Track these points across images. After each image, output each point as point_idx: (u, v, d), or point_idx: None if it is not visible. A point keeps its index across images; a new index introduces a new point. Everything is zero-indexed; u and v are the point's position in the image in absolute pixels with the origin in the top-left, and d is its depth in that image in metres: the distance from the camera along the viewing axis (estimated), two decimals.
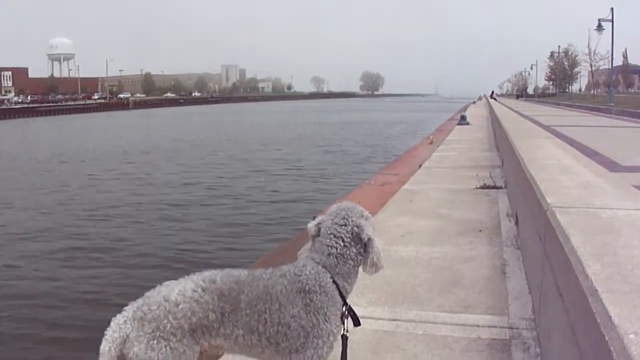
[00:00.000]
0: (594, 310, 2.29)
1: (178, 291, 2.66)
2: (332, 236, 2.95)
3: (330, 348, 2.88)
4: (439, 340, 4.58)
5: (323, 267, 2.91)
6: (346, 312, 2.95)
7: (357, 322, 3.04)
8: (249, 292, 2.75)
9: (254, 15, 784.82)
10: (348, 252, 2.94)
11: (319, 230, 3.04)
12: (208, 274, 2.80)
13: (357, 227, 2.95)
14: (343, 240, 2.93)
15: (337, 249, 2.93)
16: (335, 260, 2.93)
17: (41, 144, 46.81)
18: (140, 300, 2.68)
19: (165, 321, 2.57)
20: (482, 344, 4.49)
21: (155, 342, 2.55)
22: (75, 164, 31.73)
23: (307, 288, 2.82)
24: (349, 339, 2.96)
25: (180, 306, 2.61)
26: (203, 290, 2.69)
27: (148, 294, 2.72)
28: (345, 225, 2.95)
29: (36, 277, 11.86)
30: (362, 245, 2.96)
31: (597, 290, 2.40)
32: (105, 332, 2.60)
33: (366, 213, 3.07)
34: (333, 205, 3.12)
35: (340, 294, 2.93)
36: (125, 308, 2.66)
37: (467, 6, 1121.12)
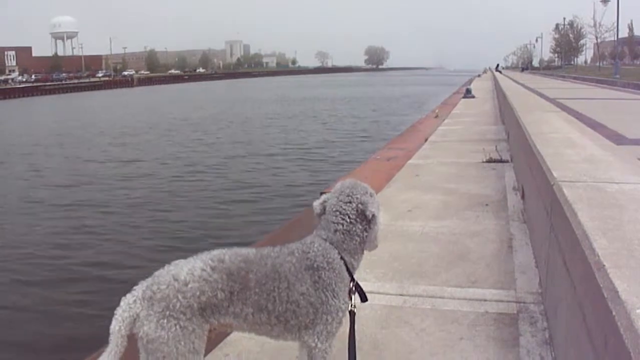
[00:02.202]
0: (601, 285, 2.30)
1: (187, 270, 2.68)
2: (337, 213, 2.97)
3: (339, 324, 2.91)
4: (446, 314, 4.61)
5: (330, 243, 2.93)
6: (353, 288, 2.97)
7: (364, 298, 3.07)
8: (257, 270, 2.77)
9: None
10: (354, 228, 2.96)
11: (324, 208, 3.05)
12: (216, 252, 2.81)
13: (362, 204, 2.96)
14: (349, 217, 2.95)
15: (343, 226, 2.95)
16: (342, 237, 2.95)
17: (44, 124, 46.79)
18: (149, 280, 2.70)
19: (175, 300, 2.59)
20: (490, 318, 4.51)
21: (165, 320, 2.57)
22: (79, 142, 31.80)
23: (315, 265, 2.84)
24: (357, 314, 2.97)
25: (190, 285, 2.63)
26: (212, 269, 2.70)
27: (157, 273, 2.73)
28: (350, 202, 2.96)
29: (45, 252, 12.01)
30: (367, 222, 2.98)
31: (604, 265, 2.41)
32: (115, 311, 2.61)
33: (370, 190, 3.07)
34: (338, 183, 3.13)
35: (348, 270, 2.95)
36: (135, 287, 2.68)
37: None
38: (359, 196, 2.98)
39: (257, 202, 16.33)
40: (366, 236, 2.99)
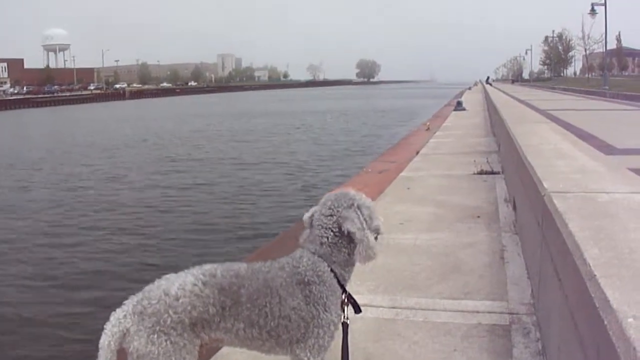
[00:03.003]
0: (593, 295, 2.30)
1: (178, 285, 2.66)
2: (320, 227, 2.95)
3: (332, 337, 2.89)
4: (439, 326, 4.61)
5: (319, 256, 2.91)
6: (346, 300, 2.96)
7: (357, 310, 3.04)
8: (249, 285, 2.75)
9: (250, 4, 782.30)
10: (340, 241, 2.93)
11: (312, 221, 3.04)
12: (208, 267, 2.79)
13: (341, 218, 2.91)
14: (332, 231, 2.92)
15: (328, 239, 2.93)
16: (330, 249, 2.92)
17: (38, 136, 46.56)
18: (140, 294, 2.68)
19: (166, 315, 2.57)
20: (483, 330, 4.51)
21: (156, 336, 2.56)
22: (76, 156, 31.67)
23: (306, 279, 2.83)
24: (350, 327, 2.96)
25: (181, 300, 2.61)
26: (203, 284, 2.68)
27: (148, 287, 2.71)
28: (332, 215, 2.93)
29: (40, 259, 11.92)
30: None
31: (595, 275, 2.41)
32: (105, 326, 2.59)
33: (359, 201, 3.01)
34: (326, 194, 3.11)
35: (339, 282, 2.93)
36: (125, 302, 2.66)
37: None
38: (340, 209, 2.93)
39: (246, 217, 16.19)
40: (354, 247, 2.94)
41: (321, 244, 2.93)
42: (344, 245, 2.93)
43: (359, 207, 2.98)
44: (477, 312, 4.86)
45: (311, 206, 3.13)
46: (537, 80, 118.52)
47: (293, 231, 8.45)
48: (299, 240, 3.10)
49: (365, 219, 2.96)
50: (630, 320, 1.98)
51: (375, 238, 3.01)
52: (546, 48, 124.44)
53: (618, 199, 3.88)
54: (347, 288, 3.00)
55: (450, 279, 5.68)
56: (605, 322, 2.07)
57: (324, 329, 2.83)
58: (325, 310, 2.83)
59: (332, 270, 2.91)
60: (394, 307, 5.04)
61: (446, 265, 6.13)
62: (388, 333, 4.53)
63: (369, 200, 3.10)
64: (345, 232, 2.89)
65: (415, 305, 5.05)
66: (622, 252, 2.69)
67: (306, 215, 3.07)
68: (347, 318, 2.95)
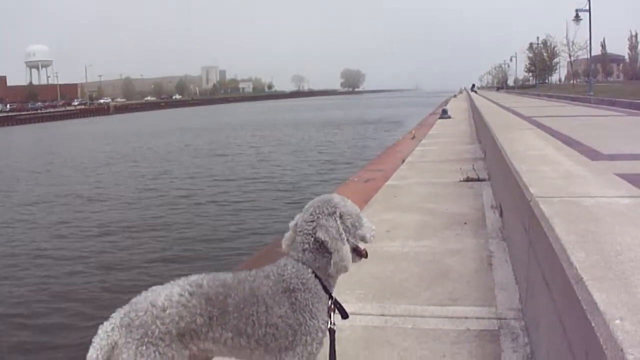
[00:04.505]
0: (580, 298, 2.31)
1: (165, 296, 2.65)
2: (301, 233, 2.94)
3: (320, 344, 2.88)
4: (428, 333, 4.61)
5: (302, 263, 2.90)
6: (332, 306, 2.95)
7: (344, 315, 3.01)
8: (235, 295, 2.74)
9: (233, 15, 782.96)
10: (321, 247, 2.89)
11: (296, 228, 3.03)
12: (194, 278, 2.78)
13: (318, 225, 2.89)
14: (313, 237, 2.90)
15: (309, 245, 2.90)
16: (312, 255, 2.90)
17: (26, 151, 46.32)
18: (127, 307, 2.66)
19: (154, 327, 2.56)
20: (471, 336, 4.51)
21: (144, 347, 2.54)
22: (63, 172, 31.49)
23: (291, 287, 2.81)
24: (338, 335, 2.94)
25: (168, 311, 2.60)
26: (190, 294, 2.67)
27: (134, 300, 2.69)
28: (312, 221, 2.91)
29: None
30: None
31: (582, 278, 2.42)
32: (93, 340, 2.57)
33: (342, 208, 2.97)
34: (310, 201, 3.10)
35: (324, 288, 2.91)
36: (112, 315, 2.64)
37: (447, 1, 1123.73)
38: (320, 216, 2.91)
39: (233, 228, 16.24)
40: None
41: (303, 250, 2.91)
42: (326, 251, 2.89)
43: (340, 215, 2.95)
44: (466, 317, 4.86)
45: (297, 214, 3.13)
46: (522, 87, 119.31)
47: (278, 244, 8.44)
48: (282, 245, 3.09)
49: (348, 227, 2.95)
50: (617, 322, 1.99)
51: (355, 251, 3.02)
52: (531, 55, 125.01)
53: (604, 203, 3.90)
54: (334, 294, 2.99)
55: (438, 286, 5.69)
56: (593, 325, 2.08)
57: (311, 336, 2.81)
58: (312, 317, 2.81)
59: (316, 277, 2.89)
60: (382, 315, 5.03)
61: (434, 272, 6.13)
62: (377, 340, 4.53)
63: (355, 207, 3.06)
64: (319, 240, 2.87)
65: (404, 313, 5.05)
66: (609, 255, 2.70)
67: (292, 223, 3.06)
68: (334, 324, 2.93)
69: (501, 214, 7.81)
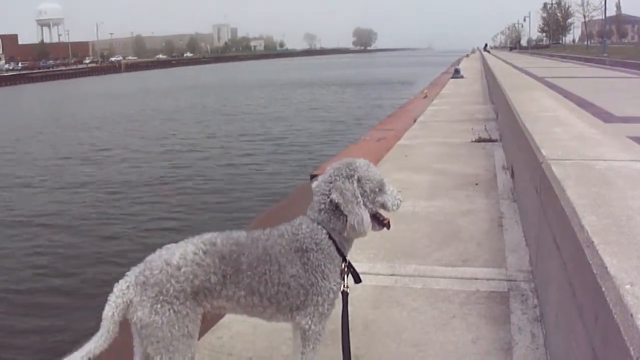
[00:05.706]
0: (590, 262, 2.31)
1: (179, 255, 2.67)
2: (319, 193, 2.93)
3: (332, 305, 2.90)
4: (438, 293, 4.64)
5: (318, 223, 2.90)
6: (345, 269, 2.95)
7: (357, 279, 3.01)
8: (249, 253, 2.76)
9: None
10: (338, 209, 2.86)
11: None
12: (208, 236, 2.80)
13: (334, 187, 2.86)
14: (329, 197, 2.88)
15: (325, 205, 2.89)
16: (327, 216, 2.89)
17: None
18: (141, 265, 2.68)
19: (168, 285, 2.59)
20: (481, 297, 4.55)
21: (159, 305, 2.57)
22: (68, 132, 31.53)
23: (304, 247, 2.82)
24: (350, 294, 2.96)
25: (183, 269, 2.62)
26: (204, 253, 2.69)
27: (149, 258, 2.72)
28: (330, 182, 2.89)
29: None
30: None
31: (593, 242, 2.42)
32: (109, 297, 2.60)
33: (362, 172, 2.93)
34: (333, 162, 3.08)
35: (339, 250, 2.91)
36: (127, 273, 2.67)
37: None
38: (338, 178, 2.89)
39: (249, 185, 16.36)
40: None
41: (320, 210, 2.91)
42: (341, 213, 2.87)
43: (359, 179, 2.91)
44: (476, 279, 4.89)
45: (310, 177, 3.12)
46: (535, 48, 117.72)
47: (294, 198, 8.47)
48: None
49: (366, 192, 2.92)
50: (627, 287, 2.00)
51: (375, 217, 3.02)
52: (544, 15, 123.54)
53: (616, 167, 3.89)
54: (348, 256, 2.99)
55: (449, 246, 5.71)
56: (603, 289, 2.09)
57: (322, 297, 2.84)
58: (324, 278, 2.83)
59: (330, 238, 2.89)
60: (392, 275, 5.07)
61: (445, 232, 6.15)
62: (387, 300, 4.57)
63: (378, 173, 3.01)
64: (334, 202, 2.86)
65: (414, 273, 5.09)
66: (620, 219, 2.70)
67: (314, 184, 3.05)
68: (347, 287, 2.94)
69: (512, 175, 7.79)
